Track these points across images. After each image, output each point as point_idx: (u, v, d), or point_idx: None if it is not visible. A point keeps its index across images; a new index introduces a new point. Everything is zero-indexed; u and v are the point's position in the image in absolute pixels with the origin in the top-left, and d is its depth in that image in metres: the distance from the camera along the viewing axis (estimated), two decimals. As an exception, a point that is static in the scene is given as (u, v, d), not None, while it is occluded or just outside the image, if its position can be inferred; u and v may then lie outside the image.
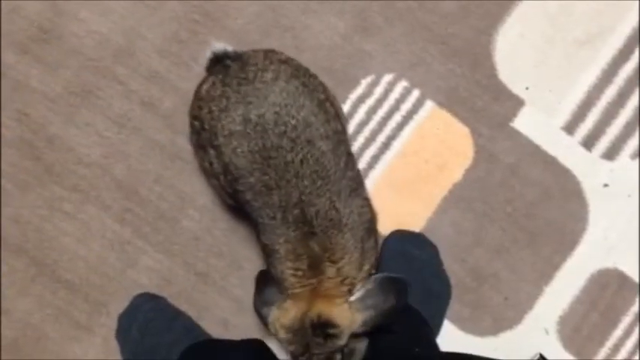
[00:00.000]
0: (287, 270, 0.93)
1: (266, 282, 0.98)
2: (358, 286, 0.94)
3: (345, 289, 0.93)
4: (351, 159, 0.99)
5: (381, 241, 1.13)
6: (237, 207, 1.02)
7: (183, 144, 1.16)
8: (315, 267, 0.92)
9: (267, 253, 0.96)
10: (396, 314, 0.91)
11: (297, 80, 0.94)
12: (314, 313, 0.90)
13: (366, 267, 0.96)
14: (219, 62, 1.00)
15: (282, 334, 0.93)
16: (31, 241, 1.15)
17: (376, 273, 1.00)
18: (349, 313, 0.91)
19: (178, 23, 1.19)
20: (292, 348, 0.93)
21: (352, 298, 0.93)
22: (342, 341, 0.91)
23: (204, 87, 0.98)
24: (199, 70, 1.16)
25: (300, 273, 0.92)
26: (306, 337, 0.90)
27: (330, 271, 0.92)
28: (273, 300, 0.96)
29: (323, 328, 0.89)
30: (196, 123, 0.98)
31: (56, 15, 1.18)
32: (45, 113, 1.17)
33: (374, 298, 0.92)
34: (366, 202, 0.99)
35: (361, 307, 0.92)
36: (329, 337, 0.90)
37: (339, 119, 0.98)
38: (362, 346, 0.96)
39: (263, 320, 0.97)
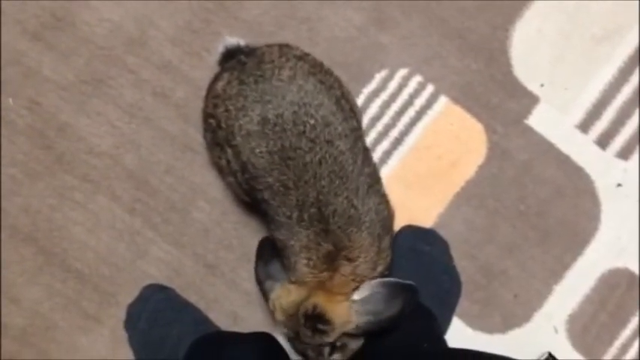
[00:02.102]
0: (301, 260, 0.92)
1: (272, 254, 0.98)
2: (365, 284, 0.93)
3: (353, 286, 0.92)
4: (367, 155, 0.98)
5: (391, 237, 1.13)
6: (252, 203, 1.01)
7: (195, 135, 1.16)
8: (329, 262, 0.91)
9: (280, 247, 0.96)
10: (397, 322, 0.90)
11: (314, 77, 0.93)
12: (310, 303, 0.89)
13: (380, 268, 0.95)
14: (231, 57, 0.99)
15: (279, 316, 0.93)
16: (40, 230, 1.15)
17: (389, 274, 0.99)
18: (347, 312, 0.90)
19: (191, 12, 1.17)
20: (285, 331, 0.94)
21: (355, 297, 0.92)
22: (330, 339, 0.90)
23: (220, 84, 0.96)
24: (212, 60, 1.14)
25: (312, 263, 0.92)
26: (298, 325, 0.91)
27: (345, 269, 0.91)
28: (277, 276, 0.96)
29: (314, 320, 0.89)
30: (212, 121, 0.97)
31: (68, 2, 1.16)
32: (56, 102, 1.16)
33: (376, 304, 0.91)
34: (383, 199, 0.99)
35: (361, 310, 0.91)
36: (317, 331, 0.89)
37: (354, 115, 0.97)
38: (355, 344, 0.95)
39: (264, 293, 0.98)
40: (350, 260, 0.91)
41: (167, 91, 1.17)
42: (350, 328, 0.91)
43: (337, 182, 0.90)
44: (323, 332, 0.89)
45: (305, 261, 0.92)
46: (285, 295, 0.93)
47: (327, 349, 0.92)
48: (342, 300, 0.91)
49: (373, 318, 0.91)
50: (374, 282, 0.92)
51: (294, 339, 0.93)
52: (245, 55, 0.97)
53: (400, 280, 0.91)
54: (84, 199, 1.15)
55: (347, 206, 0.90)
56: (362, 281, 0.93)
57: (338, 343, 0.93)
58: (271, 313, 0.96)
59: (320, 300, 0.90)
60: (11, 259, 1.14)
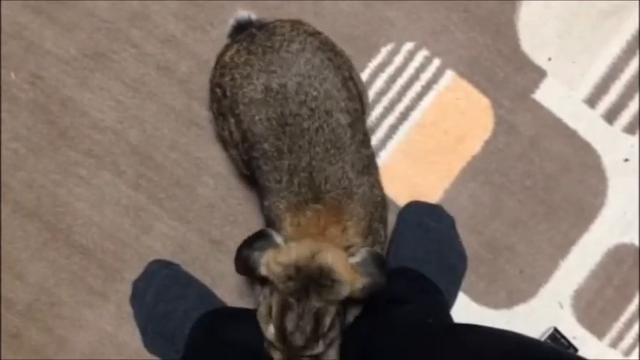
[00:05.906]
0: (286, 219, 0.90)
1: (257, 237, 0.89)
2: (358, 250, 0.88)
3: (345, 244, 0.89)
4: (367, 139, 0.98)
5: (397, 212, 1.13)
6: (251, 176, 1.01)
7: (199, 110, 1.15)
8: (317, 223, 0.89)
9: (266, 214, 0.95)
10: (383, 291, 0.87)
11: (323, 54, 0.93)
12: (321, 257, 0.84)
13: (369, 241, 0.94)
14: (242, 30, 0.99)
15: (279, 269, 0.83)
16: (44, 206, 1.14)
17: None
18: (352, 271, 0.86)
19: (195, -15, 1.16)
20: (290, 284, 0.83)
21: (352, 261, 0.87)
22: (345, 292, 0.84)
23: (228, 54, 0.96)
24: (216, 33, 1.14)
25: (296, 221, 0.89)
26: (306, 281, 0.83)
27: (336, 228, 0.89)
28: (264, 247, 0.87)
29: (329, 274, 0.83)
30: (218, 90, 0.97)
31: (70, -26, 1.15)
32: (59, 76, 1.15)
33: (371, 267, 0.87)
34: (378, 185, 0.99)
35: (362, 271, 0.87)
36: (335, 282, 0.83)
37: (360, 101, 0.97)
38: (354, 311, 0.94)
39: (248, 266, 0.87)
40: (338, 223, 0.89)
41: (171, 65, 1.15)
42: (358, 286, 0.85)
43: (332, 151, 0.90)
44: (339, 283, 0.83)
45: (290, 220, 0.90)
46: (284, 252, 0.85)
47: (332, 309, 0.84)
48: (344, 258, 0.86)
49: (372, 280, 0.86)
50: (363, 249, 0.88)
51: (298, 296, 0.83)
52: (256, 28, 0.97)
53: (371, 250, 0.88)
54: (88, 175, 1.15)
55: (341, 176, 0.91)
56: (352, 246, 0.89)
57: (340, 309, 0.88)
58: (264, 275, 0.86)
59: (327, 255, 0.84)
60: (15, 235, 1.14)
